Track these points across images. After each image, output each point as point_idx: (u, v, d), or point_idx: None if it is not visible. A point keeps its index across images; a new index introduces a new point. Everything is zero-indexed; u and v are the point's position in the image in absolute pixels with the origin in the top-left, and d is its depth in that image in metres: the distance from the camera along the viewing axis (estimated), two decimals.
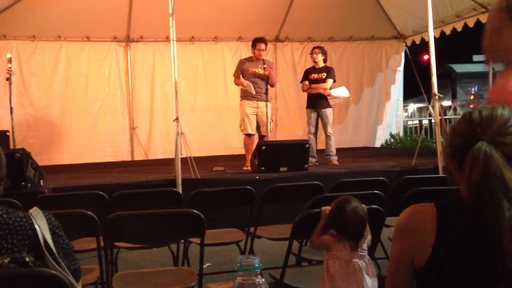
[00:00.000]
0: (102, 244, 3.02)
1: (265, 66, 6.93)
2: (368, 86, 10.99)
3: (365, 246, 2.66)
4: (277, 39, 10.58)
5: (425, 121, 11.82)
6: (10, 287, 1.54)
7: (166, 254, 4.18)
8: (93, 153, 9.46)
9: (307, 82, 7.53)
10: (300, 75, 8.03)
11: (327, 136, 7.45)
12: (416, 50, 11.64)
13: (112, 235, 2.94)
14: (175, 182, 5.80)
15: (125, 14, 9.21)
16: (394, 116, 11.35)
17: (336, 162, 7.42)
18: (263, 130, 7.12)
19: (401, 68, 11.12)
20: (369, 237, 2.71)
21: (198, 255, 2.99)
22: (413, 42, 10.46)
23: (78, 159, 9.24)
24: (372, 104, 11.02)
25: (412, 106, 20.95)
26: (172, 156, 6.40)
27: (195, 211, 2.92)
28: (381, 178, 4.42)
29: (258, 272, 1.18)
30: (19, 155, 5.09)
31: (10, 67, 6.95)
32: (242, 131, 7.17)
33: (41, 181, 5.63)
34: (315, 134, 7.55)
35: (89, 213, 2.99)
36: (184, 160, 6.02)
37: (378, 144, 11.12)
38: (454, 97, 18.50)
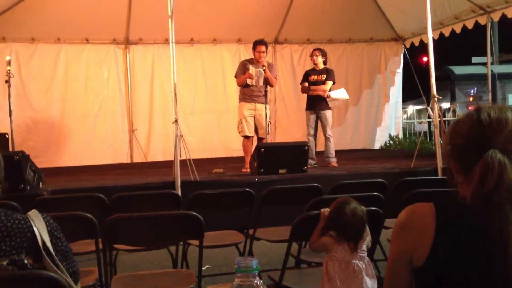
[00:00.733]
0: (101, 246, 3.02)
1: (264, 67, 6.93)
2: (367, 88, 11.00)
3: (364, 247, 2.66)
4: (276, 41, 10.59)
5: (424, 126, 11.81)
6: None
7: (165, 256, 4.18)
8: (92, 155, 9.46)
9: (306, 84, 7.54)
10: (299, 77, 8.03)
11: (326, 138, 7.45)
12: (415, 52, 11.67)
13: (111, 237, 2.93)
14: (174, 184, 5.79)
15: (124, 16, 9.21)
16: (393, 118, 11.35)
17: (335, 164, 7.42)
18: (261, 133, 7.12)
19: (400, 70, 11.13)
20: (368, 238, 2.71)
21: (197, 257, 2.99)
22: (412, 44, 10.48)
23: (77, 161, 9.24)
24: (371, 106, 11.03)
25: (411, 108, 20.95)
26: (171, 158, 6.40)
27: (194, 213, 2.92)
28: (380, 180, 4.42)
29: (256, 273, 1.17)
30: (18, 157, 5.09)
31: (9, 70, 6.95)
32: (239, 133, 7.18)
33: (40, 183, 5.63)
34: (315, 136, 7.55)
35: (88, 215, 2.99)
36: (183, 162, 6.01)
37: (377, 146, 11.13)
38: (453, 99, 18.48)
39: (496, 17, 8.20)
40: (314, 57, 7.52)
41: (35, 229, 1.55)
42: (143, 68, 9.97)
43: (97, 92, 9.71)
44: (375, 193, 3.53)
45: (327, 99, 7.42)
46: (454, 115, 15.12)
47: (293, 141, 8.68)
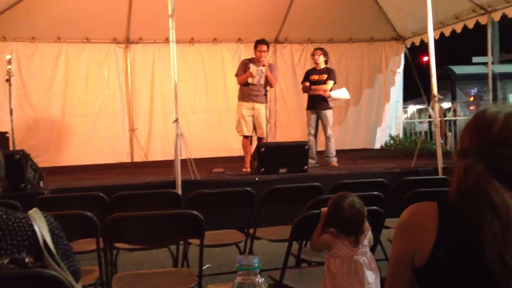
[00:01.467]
0: (101, 245, 3.02)
1: (265, 66, 6.94)
2: (368, 88, 10.99)
3: (366, 242, 2.66)
4: (276, 41, 10.58)
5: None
6: None
7: (166, 256, 4.18)
8: (92, 155, 9.46)
9: (307, 83, 7.53)
10: (300, 77, 8.03)
11: (327, 138, 7.45)
12: (416, 52, 11.66)
13: (112, 236, 2.93)
14: (175, 184, 5.79)
15: (125, 15, 9.21)
16: (394, 117, 11.35)
17: (335, 164, 7.42)
18: (260, 132, 7.12)
19: (400, 70, 11.13)
20: (370, 233, 2.71)
21: (198, 256, 2.99)
22: (413, 43, 10.47)
23: (77, 160, 9.24)
24: (372, 105, 11.03)
25: (412, 108, 20.94)
26: (171, 157, 6.41)
27: (195, 212, 2.93)
28: (380, 179, 4.43)
29: (258, 272, 1.17)
30: (18, 156, 5.10)
31: (9, 69, 6.95)
32: (238, 132, 7.19)
33: (41, 182, 5.64)
34: (315, 135, 7.55)
35: (89, 214, 2.99)
36: (183, 162, 6.01)
37: (377, 145, 11.12)
38: (453, 99, 18.48)
39: (496, 17, 8.20)
40: (316, 57, 7.52)
41: (36, 227, 1.55)
42: (144, 68, 9.97)
43: (97, 91, 9.71)
44: (375, 193, 3.54)
45: (328, 99, 7.41)
46: (454, 115, 15.11)
47: (294, 140, 8.68)
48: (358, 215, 2.63)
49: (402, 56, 11.01)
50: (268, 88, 7.25)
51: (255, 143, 7.17)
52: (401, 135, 11.62)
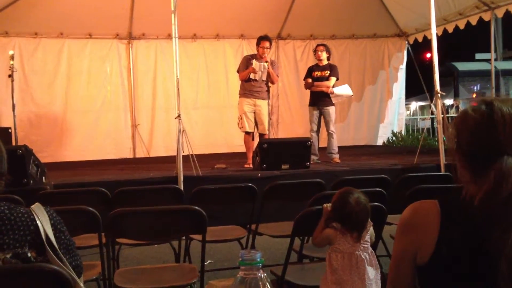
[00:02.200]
0: (104, 240, 3.02)
1: (267, 62, 6.93)
2: (370, 84, 10.97)
3: (367, 238, 2.65)
4: (279, 37, 10.56)
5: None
6: (12, 282, 1.55)
7: (168, 251, 4.19)
8: (95, 150, 9.47)
9: (310, 80, 7.52)
10: (302, 73, 8.01)
11: (329, 134, 7.44)
12: (419, 48, 11.63)
13: (114, 231, 2.94)
14: (177, 179, 5.79)
15: (127, 11, 9.21)
16: (396, 114, 11.33)
17: (338, 160, 7.42)
18: (261, 128, 7.12)
19: (403, 66, 11.10)
20: (371, 230, 2.71)
21: (200, 251, 2.99)
22: (416, 40, 10.45)
23: (80, 156, 9.26)
24: (374, 102, 11.01)
25: (414, 104, 20.93)
26: (173, 153, 6.41)
27: (197, 208, 2.92)
28: (383, 176, 4.42)
29: (260, 266, 1.17)
30: (21, 151, 5.10)
31: (12, 64, 6.96)
32: (240, 128, 7.18)
33: (43, 177, 5.64)
34: (317, 132, 7.54)
35: (91, 209, 3.00)
36: (185, 158, 6.02)
37: (380, 142, 11.11)
38: (456, 95, 18.47)
39: (500, 13, 8.17)
40: (319, 53, 7.50)
41: (38, 222, 1.55)
42: (146, 63, 9.97)
43: (99, 87, 9.72)
44: (377, 189, 3.53)
45: (331, 95, 7.40)
46: (457, 112, 15.09)
47: (296, 137, 8.67)
48: (364, 212, 2.62)
49: (405, 52, 10.98)
50: (270, 84, 7.24)
51: (257, 139, 7.17)
52: (403, 132, 11.61)
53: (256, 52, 7.18)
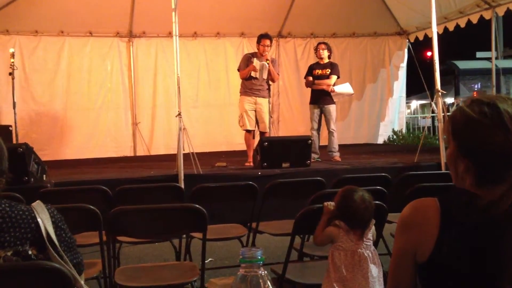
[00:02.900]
0: (104, 238, 3.02)
1: (267, 61, 6.92)
2: (371, 83, 10.97)
3: (370, 235, 2.66)
4: (279, 35, 10.56)
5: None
6: (12, 280, 1.55)
7: (169, 249, 4.19)
8: (95, 148, 9.48)
9: (310, 78, 7.51)
10: (303, 72, 8.00)
11: (330, 132, 7.44)
12: (419, 47, 11.61)
13: (115, 229, 2.94)
14: (177, 178, 5.80)
15: (128, 9, 9.20)
16: (397, 112, 11.33)
17: (338, 158, 7.42)
18: (262, 127, 7.11)
19: (404, 65, 11.09)
20: (373, 228, 2.71)
21: (200, 250, 3.00)
22: (416, 38, 10.43)
23: (80, 154, 9.26)
24: (375, 100, 11.00)
25: (415, 103, 20.92)
26: (174, 151, 6.41)
27: (197, 206, 2.92)
28: (383, 174, 4.42)
29: (261, 264, 1.17)
30: (21, 149, 5.10)
31: (13, 62, 6.96)
32: (241, 127, 7.18)
33: (44, 175, 5.64)
34: (318, 130, 7.54)
35: (92, 207, 3.00)
36: (186, 156, 6.02)
37: (380, 140, 11.11)
38: (457, 94, 18.47)
39: (501, 11, 8.15)
40: (320, 51, 7.48)
41: (39, 220, 1.55)
42: (147, 62, 9.96)
43: (100, 85, 9.72)
44: (378, 187, 3.53)
45: (332, 94, 7.39)
46: None
47: (297, 135, 8.67)
48: (369, 210, 2.63)
49: (406, 50, 10.97)
50: (270, 82, 7.23)
51: (258, 137, 7.16)
52: (404, 130, 11.61)
53: (256, 50, 7.17)
